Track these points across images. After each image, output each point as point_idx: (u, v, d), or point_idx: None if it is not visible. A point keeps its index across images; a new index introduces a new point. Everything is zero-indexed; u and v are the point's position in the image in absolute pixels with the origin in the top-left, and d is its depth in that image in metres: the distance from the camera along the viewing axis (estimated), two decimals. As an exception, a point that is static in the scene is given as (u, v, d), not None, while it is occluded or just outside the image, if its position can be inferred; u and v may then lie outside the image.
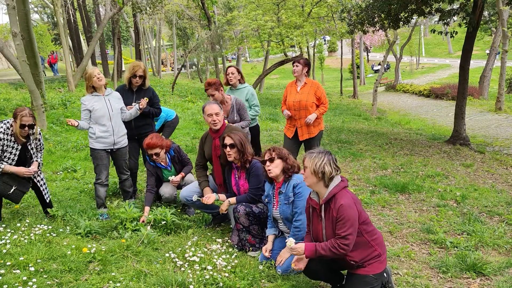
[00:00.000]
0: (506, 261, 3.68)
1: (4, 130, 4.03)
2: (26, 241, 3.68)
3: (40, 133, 4.35)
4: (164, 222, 4.14)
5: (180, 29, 30.82)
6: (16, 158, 4.12)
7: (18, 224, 4.06)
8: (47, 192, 4.52)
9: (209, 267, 3.36)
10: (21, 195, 4.23)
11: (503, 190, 5.95)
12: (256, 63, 44.58)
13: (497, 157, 8.42)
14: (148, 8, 18.30)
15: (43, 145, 4.43)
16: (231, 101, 5.04)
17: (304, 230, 3.39)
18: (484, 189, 5.91)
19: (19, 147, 4.13)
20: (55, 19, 23.87)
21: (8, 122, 4.09)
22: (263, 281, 3.30)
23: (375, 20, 10.49)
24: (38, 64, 10.43)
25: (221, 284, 3.14)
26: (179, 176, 4.73)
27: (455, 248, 3.99)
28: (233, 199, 3.94)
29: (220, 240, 3.97)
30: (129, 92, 5.04)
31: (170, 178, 4.71)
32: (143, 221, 4.14)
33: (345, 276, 3.16)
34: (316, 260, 2.97)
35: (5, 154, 4.05)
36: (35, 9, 45.45)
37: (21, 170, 4.11)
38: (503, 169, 7.40)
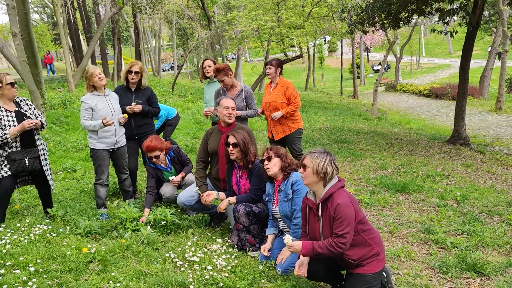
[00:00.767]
0: (506, 261, 3.68)
1: None
2: (26, 241, 3.68)
3: (25, 99, 4.31)
4: (164, 222, 4.14)
5: (180, 29, 30.84)
6: (16, 124, 4.06)
7: (18, 224, 4.06)
8: (51, 179, 4.44)
9: (209, 267, 3.35)
10: (36, 161, 4.19)
11: (503, 190, 5.95)
12: (256, 63, 44.58)
13: (497, 157, 8.42)
14: (148, 8, 18.30)
15: (38, 111, 4.37)
16: (239, 87, 5.11)
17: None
18: (484, 189, 5.91)
19: (13, 114, 4.10)
20: (55, 19, 23.86)
21: None
22: (263, 281, 3.29)
23: (375, 20, 10.50)
24: (38, 64, 10.43)
25: (221, 284, 3.13)
26: (180, 176, 4.72)
27: (455, 248, 3.98)
28: (232, 199, 3.93)
29: (220, 240, 3.96)
30: (128, 92, 5.03)
31: (170, 178, 4.70)
32: (142, 222, 4.13)
33: (344, 276, 3.16)
34: (315, 261, 2.98)
35: (4, 123, 4.01)
36: (35, 9, 45.46)
37: (23, 124, 4.05)
38: (503, 169, 7.40)
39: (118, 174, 4.96)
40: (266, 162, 3.55)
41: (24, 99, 4.32)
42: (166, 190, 4.73)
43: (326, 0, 15.95)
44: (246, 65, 41.72)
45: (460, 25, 9.30)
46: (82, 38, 28.27)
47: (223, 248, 3.82)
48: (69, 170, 6.57)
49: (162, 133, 6.68)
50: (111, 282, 3.12)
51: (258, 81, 19.35)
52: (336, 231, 2.79)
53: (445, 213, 4.93)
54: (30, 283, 2.97)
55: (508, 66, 17.60)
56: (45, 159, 4.36)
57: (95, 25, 29.38)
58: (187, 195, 4.25)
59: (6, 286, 2.94)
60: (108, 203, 4.92)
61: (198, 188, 4.23)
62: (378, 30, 11.28)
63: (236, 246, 3.87)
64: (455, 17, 10.02)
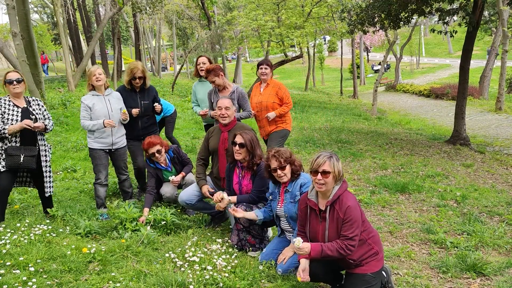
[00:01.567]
0: (506, 261, 3.68)
1: (1, 99, 4.13)
2: (26, 241, 3.68)
3: (38, 100, 4.35)
4: (164, 222, 4.13)
5: (180, 29, 30.82)
6: (19, 121, 4.07)
7: (18, 224, 4.06)
8: (50, 182, 4.42)
9: (209, 267, 3.35)
10: (32, 160, 4.15)
11: (503, 190, 5.95)
12: (256, 63, 44.54)
13: (497, 157, 8.42)
14: (148, 8, 18.30)
15: (49, 114, 4.39)
16: (231, 88, 4.99)
17: None
18: (484, 189, 5.91)
19: (19, 110, 4.13)
20: (55, 19, 23.87)
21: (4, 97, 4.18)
22: (263, 281, 3.29)
23: (375, 20, 10.50)
24: (38, 64, 10.42)
25: (221, 284, 3.13)
26: (180, 176, 4.72)
27: (455, 248, 3.98)
28: (233, 198, 3.92)
29: (220, 240, 3.96)
30: (133, 93, 5.01)
31: (170, 178, 4.70)
32: (142, 222, 4.13)
33: (344, 276, 3.16)
34: (315, 262, 2.98)
35: (7, 117, 4.04)
36: (35, 9, 45.45)
37: (23, 122, 4.05)
38: (503, 169, 7.40)
39: (118, 175, 4.96)
40: (279, 171, 3.46)
41: (36, 99, 4.36)
42: (167, 190, 4.73)
43: (326, 0, 15.96)
44: (246, 65, 41.72)
45: (460, 25, 9.30)
46: (82, 38, 28.26)
47: (223, 248, 3.82)
48: (69, 170, 6.57)
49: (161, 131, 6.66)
50: (111, 282, 3.12)
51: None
52: (346, 234, 2.79)
53: (445, 213, 4.93)
54: (30, 283, 2.97)
55: (508, 66, 17.59)
56: (46, 161, 4.34)
57: (95, 25, 29.38)
58: (189, 193, 4.26)
59: (6, 286, 2.94)
60: (108, 203, 4.92)
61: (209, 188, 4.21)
62: (378, 30, 11.28)
63: (236, 246, 3.87)
64: (455, 17, 10.03)
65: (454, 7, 9.22)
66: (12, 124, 4.04)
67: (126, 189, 5.00)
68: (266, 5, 17.15)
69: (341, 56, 34.39)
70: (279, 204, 3.61)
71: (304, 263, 2.94)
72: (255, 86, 5.59)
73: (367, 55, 48.82)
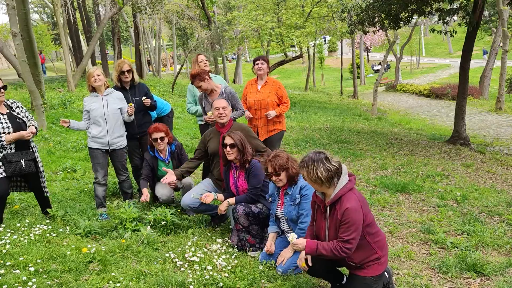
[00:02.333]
0: (506, 261, 3.68)
1: None
2: (26, 241, 3.68)
3: (16, 102, 4.27)
4: (164, 222, 4.13)
5: (180, 29, 30.84)
6: (11, 129, 4.02)
7: (18, 224, 4.06)
8: (44, 181, 4.41)
9: (209, 267, 3.35)
10: (32, 163, 4.16)
11: (503, 190, 5.95)
12: (256, 63, 44.43)
13: (498, 157, 8.42)
14: (148, 8, 18.30)
15: (30, 114, 4.33)
16: (219, 89, 4.90)
17: None
18: (485, 189, 5.91)
19: (5, 116, 4.06)
20: (55, 19, 23.86)
21: None
22: (263, 281, 3.29)
23: (375, 20, 10.50)
24: (38, 64, 10.44)
25: (221, 284, 3.13)
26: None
27: (456, 248, 3.98)
28: (232, 200, 3.93)
29: (220, 240, 3.96)
30: (123, 91, 5.01)
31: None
32: (143, 201, 4.29)
33: (345, 276, 3.16)
34: (316, 258, 2.97)
35: None
36: (35, 9, 45.45)
37: (22, 133, 4.03)
38: (504, 169, 7.39)
39: (117, 176, 4.98)
40: (274, 177, 3.47)
41: (15, 102, 4.26)
42: (163, 192, 4.70)
43: (326, 0, 15.96)
44: (246, 65, 41.70)
45: (460, 25, 9.30)
46: (82, 38, 28.26)
47: (223, 248, 3.82)
48: (69, 170, 6.57)
49: None
50: (111, 282, 3.12)
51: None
52: (342, 236, 2.73)
53: (445, 213, 4.93)
54: (30, 283, 2.97)
55: (508, 66, 17.59)
56: (39, 161, 4.34)
57: (95, 25, 29.38)
58: (191, 197, 4.24)
59: (6, 286, 2.94)
60: (108, 203, 4.92)
61: (194, 194, 4.22)
62: (378, 30, 11.28)
63: (236, 246, 3.87)
64: (455, 17, 10.03)
65: (454, 7, 9.22)
66: (5, 133, 3.97)
67: (126, 189, 5.00)
68: (266, 5, 17.16)
69: (341, 56, 34.40)
70: (279, 206, 3.61)
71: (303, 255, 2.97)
72: (250, 83, 5.46)
73: (367, 55, 48.81)
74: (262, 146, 4.36)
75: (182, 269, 3.36)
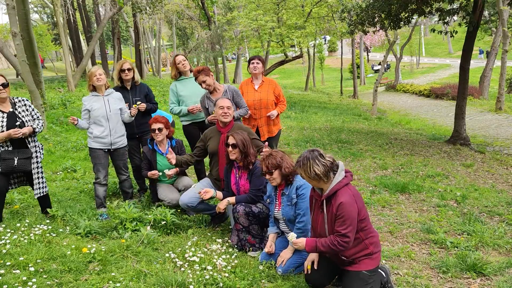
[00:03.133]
0: (506, 261, 3.68)
1: None
2: (26, 241, 3.68)
3: (25, 100, 4.28)
4: (164, 222, 4.13)
5: (180, 29, 30.84)
6: (4, 128, 4.02)
7: (18, 224, 4.06)
8: (43, 182, 4.37)
9: (209, 267, 3.35)
10: (27, 162, 4.15)
11: (503, 190, 5.95)
12: (256, 63, 44.40)
13: (497, 157, 8.41)
14: (148, 8, 18.30)
15: (37, 113, 4.33)
16: (222, 88, 4.87)
17: (306, 231, 3.40)
18: (485, 189, 5.91)
19: (5, 115, 4.08)
20: (55, 19, 23.86)
21: None
22: (263, 281, 3.29)
23: (375, 20, 10.50)
24: (38, 64, 10.43)
25: (221, 284, 3.13)
26: (174, 170, 4.70)
27: (455, 248, 3.98)
28: (232, 199, 3.93)
29: (220, 240, 3.96)
30: (124, 91, 5.05)
31: (165, 171, 4.66)
32: (155, 175, 4.62)
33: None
34: (320, 272, 3.04)
35: None
36: (35, 9, 45.46)
37: (9, 132, 4.00)
38: (504, 169, 7.39)
39: (118, 175, 4.98)
40: (267, 176, 3.51)
41: (23, 100, 4.29)
42: (172, 197, 4.68)
43: (326, 0, 15.97)
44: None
45: (460, 25, 9.30)
46: (82, 38, 28.27)
47: (223, 248, 3.82)
48: (69, 170, 6.57)
49: None
50: (111, 282, 3.12)
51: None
52: (338, 229, 2.81)
53: (445, 213, 4.93)
54: (30, 283, 2.97)
55: (508, 66, 17.59)
56: (37, 162, 4.30)
57: (95, 25, 29.37)
58: (190, 196, 4.24)
59: (6, 286, 2.94)
60: (108, 203, 4.92)
61: (195, 187, 4.22)
62: (378, 30, 11.28)
63: (236, 246, 3.87)
64: (455, 17, 10.03)
65: (454, 7, 9.22)
66: None
67: (126, 189, 5.00)
68: (266, 5, 17.16)
69: (341, 56, 34.42)
70: (277, 207, 3.61)
71: (313, 256, 3.06)
72: (246, 83, 5.43)
73: (367, 55, 48.82)
74: (260, 144, 4.35)
75: (182, 269, 3.36)
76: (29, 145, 4.23)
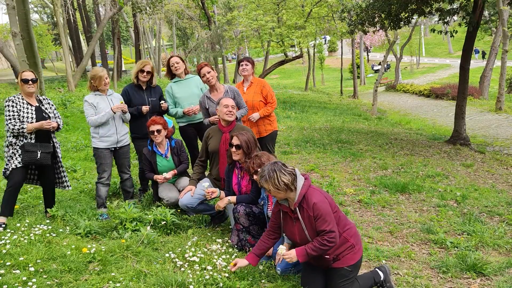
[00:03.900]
0: (506, 261, 3.68)
1: (15, 97, 4.29)
2: (26, 241, 3.68)
3: (48, 99, 4.54)
4: (164, 222, 4.13)
5: (180, 29, 30.85)
6: (34, 120, 4.23)
7: (18, 224, 4.06)
8: (65, 176, 4.61)
9: (209, 267, 3.35)
10: (48, 156, 4.30)
11: (503, 190, 5.95)
12: (256, 63, 44.51)
13: (497, 157, 8.41)
14: (148, 8, 18.30)
15: (58, 113, 4.55)
16: (224, 88, 4.85)
17: None
18: (485, 189, 5.91)
19: (34, 108, 4.29)
20: (55, 19, 23.86)
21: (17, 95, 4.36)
22: (263, 281, 3.29)
23: (375, 20, 10.50)
24: (38, 64, 10.43)
25: (221, 284, 3.13)
26: (171, 172, 4.71)
27: (456, 248, 3.98)
28: (233, 198, 3.92)
29: (220, 240, 3.96)
30: (140, 91, 5.07)
31: (164, 174, 4.67)
32: (164, 179, 4.62)
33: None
34: (313, 274, 3.03)
35: (23, 115, 4.19)
36: (35, 9, 45.48)
37: (42, 123, 4.22)
38: (504, 169, 7.39)
39: (120, 174, 4.98)
40: (254, 176, 3.55)
41: (46, 99, 4.52)
42: (171, 196, 4.66)
43: (326, 0, 15.97)
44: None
45: (460, 25, 9.30)
46: (82, 38, 28.28)
47: (223, 248, 3.82)
48: (69, 170, 6.57)
49: None
50: (111, 282, 3.12)
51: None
52: (322, 229, 2.83)
53: (445, 213, 4.93)
54: (30, 283, 2.97)
55: (508, 66, 17.59)
56: (60, 157, 4.52)
57: (95, 25, 29.37)
58: (189, 197, 4.23)
59: (6, 286, 2.94)
60: (108, 203, 4.92)
61: (205, 185, 4.19)
62: (378, 30, 11.28)
63: (236, 246, 3.87)
64: (455, 17, 10.03)
65: (454, 7, 9.22)
66: (28, 122, 4.17)
67: (128, 188, 5.01)
68: (267, 5, 17.16)
69: (341, 56, 34.42)
70: (269, 207, 3.65)
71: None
72: (238, 86, 5.38)
73: (367, 55, 48.83)
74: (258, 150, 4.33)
75: (182, 269, 3.36)
76: (52, 140, 4.40)
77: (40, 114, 4.29)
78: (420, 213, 4.98)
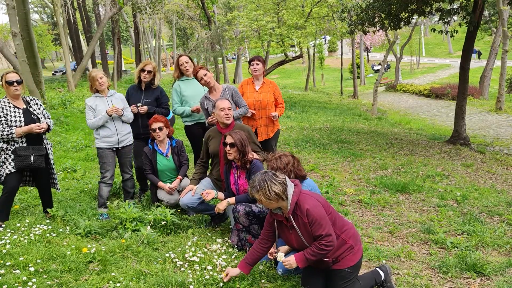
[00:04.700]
0: (506, 261, 3.68)
1: (0, 101, 4.16)
2: (26, 241, 3.68)
3: (36, 99, 4.41)
4: (164, 222, 4.13)
5: (180, 29, 30.85)
6: (23, 123, 4.13)
7: (18, 224, 4.06)
8: (56, 178, 4.56)
9: (209, 267, 3.35)
10: (41, 159, 4.25)
11: (503, 190, 5.95)
12: (256, 63, 44.41)
13: (498, 157, 8.41)
14: (148, 8, 18.30)
15: (47, 112, 4.46)
16: (221, 88, 4.86)
17: None
18: (485, 189, 5.91)
19: (21, 110, 4.19)
20: (55, 19, 23.86)
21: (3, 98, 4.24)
22: (263, 281, 3.29)
23: (375, 20, 10.50)
24: (38, 64, 10.44)
25: (221, 284, 3.13)
26: (176, 181, 4.74)
27: (456, 248, 3.98)
28: (232, 199, 3.92)
29: (220, 240, 3.96)
30: (138, 91, 5.11)
31: (167, 185, 4.70)
32: (174, 187, 4.66)
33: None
34: (313, 276, 3.03)
35: (10, 119, 4.09)
36: (35, 9, 45.49)
37: (31, 126, 4.13)
38: (504, 169, 7.39)
39: (122, 173, 5.00)
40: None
41: (34, 99, 4.42)
42: (171, 197, 4.71)
43: (326, 0, 15.97)
44: (246, 65, 41.63)
45: (460, 25, 9.30)
46: (82, 38, 28.28)
47: (223, 248, 3.82)
48: (69, 170, 6.57)
49: None
50: (111, 282, 3.12)
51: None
52: (318, 234, 2.81)
53: (445, 213, 4.93)
54: (30, 283, 2.97)
55: (508, 66, 17.59)
56: (51, 158, 4.44)
57: (95, 25, 29.37)
58: (190, 197, 4.24)
59: (6, 286, 2.94)
60: (108, 203, 4.92)
61: (198, 189, 4.22)
62: (378, 30, 11.28)
63: (236, 246, 3.87)
64: (455, 17, 10.02)
65: (454, 7, 9.22)
66: (16, 126, 4.08)
67: (129, 189, 5.02)
68: (267, 5, 17.15)
69: (341, 56, 34.39)
70: None
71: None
72: (247, 83, 5.44)
73: (367, 55, 48.81)
74: (258, 150, 4.34)
75: (182, 269, 3.36)
76: (44, 142, 4.33)
77: (29, 117, 4.18)
78: (420, 213, 4.98)
